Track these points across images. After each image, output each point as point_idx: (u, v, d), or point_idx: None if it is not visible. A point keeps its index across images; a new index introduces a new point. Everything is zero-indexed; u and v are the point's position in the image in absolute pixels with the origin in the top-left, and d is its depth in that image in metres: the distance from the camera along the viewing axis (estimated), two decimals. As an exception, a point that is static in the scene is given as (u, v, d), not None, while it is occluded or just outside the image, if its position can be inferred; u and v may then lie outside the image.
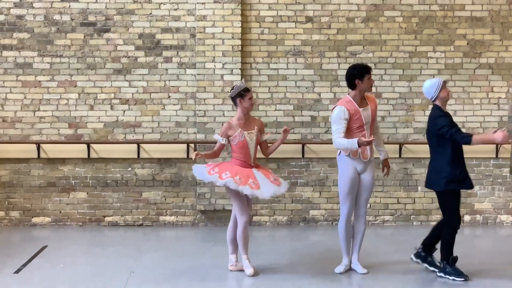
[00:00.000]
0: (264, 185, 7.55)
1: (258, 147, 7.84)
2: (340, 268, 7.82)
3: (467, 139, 7.16)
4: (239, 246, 7.71)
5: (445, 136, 7.29)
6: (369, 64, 10.46)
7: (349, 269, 7.88)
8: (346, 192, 7.64)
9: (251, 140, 7.66)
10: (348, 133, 7.48)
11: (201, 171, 7.70)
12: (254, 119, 7.93)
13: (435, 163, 7.51)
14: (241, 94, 7.63)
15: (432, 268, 7.74)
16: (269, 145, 7.99)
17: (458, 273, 7.45)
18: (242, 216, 7.60)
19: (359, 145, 7.25)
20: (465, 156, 7.47)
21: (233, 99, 7.71)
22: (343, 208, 7.72)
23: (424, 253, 7.83)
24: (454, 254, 7.52)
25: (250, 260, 7.74)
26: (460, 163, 7.42)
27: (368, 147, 7.58)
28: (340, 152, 7.67)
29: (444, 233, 7.49)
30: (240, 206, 7.60)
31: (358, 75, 7.55)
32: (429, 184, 7.63)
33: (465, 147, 7.42)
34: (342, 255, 7.89)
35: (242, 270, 7.77)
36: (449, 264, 7.48)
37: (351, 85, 7.61)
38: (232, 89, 7.75)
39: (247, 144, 7.63)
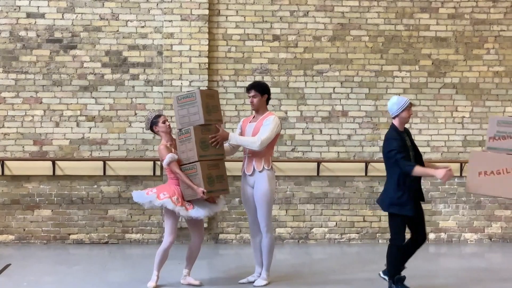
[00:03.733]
0: (199, 205, 7.61)
1: None
2: (244, 279, 8.10)
3: (409, 168, 7.13)
4: (156, 261, 7.74)
5: (391, 160, 7.30)
6: (335, 83, 10.66)
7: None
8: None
9: None
10: None
11: (140, 194, 7.73)
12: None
13: (386, 183, 7.53)
14: (154, 122, 7.74)
15: None
16: None
17: None
18: (170, 235, 7.67)
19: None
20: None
21: (150, 129, 7.82)
22: None
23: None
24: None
25: (160, 277, 7.77)
26: (405, 187, 7.29)
27: (247, 162, 7.87)
28: None
29: (389, 252, 7.52)
30: (171, 225, 7.66)
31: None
32: (379, 201, 7.68)
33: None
34: None
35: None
36: (394, 284, 7.44)
37: None
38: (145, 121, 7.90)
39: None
